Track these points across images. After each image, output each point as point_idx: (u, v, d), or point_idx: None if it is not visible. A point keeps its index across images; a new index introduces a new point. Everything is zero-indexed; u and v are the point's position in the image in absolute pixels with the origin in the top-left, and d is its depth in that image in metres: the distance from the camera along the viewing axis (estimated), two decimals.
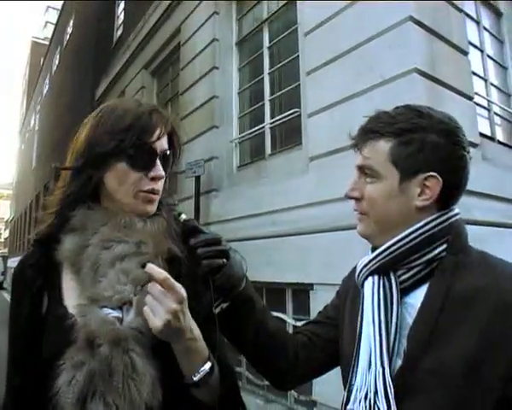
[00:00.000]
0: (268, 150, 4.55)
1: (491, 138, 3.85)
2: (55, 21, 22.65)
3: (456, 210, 0.87)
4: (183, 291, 0.76)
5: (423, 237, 0.82)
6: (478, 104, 3.68)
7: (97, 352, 0.74)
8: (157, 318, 0.74)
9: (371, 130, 0.87)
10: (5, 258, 25.55)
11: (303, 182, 3.67)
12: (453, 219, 0.85)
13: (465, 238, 0.86)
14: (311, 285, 3.45)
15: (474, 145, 3.10)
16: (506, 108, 4.20)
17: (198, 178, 4.97)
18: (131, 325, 0.78)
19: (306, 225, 3.47)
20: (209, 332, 0.87)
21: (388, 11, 3.01)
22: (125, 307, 0.80)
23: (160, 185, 0.91)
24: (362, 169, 0.89)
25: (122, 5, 9.91)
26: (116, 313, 0.79)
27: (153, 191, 0.89)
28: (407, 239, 0.82)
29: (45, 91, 22.03)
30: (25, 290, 0.88)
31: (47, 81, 21.76)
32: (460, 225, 0.86)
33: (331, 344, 1.01)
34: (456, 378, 0.73)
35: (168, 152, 0.93)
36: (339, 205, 3.20)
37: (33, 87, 28.12)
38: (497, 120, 4.07)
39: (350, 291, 1.02)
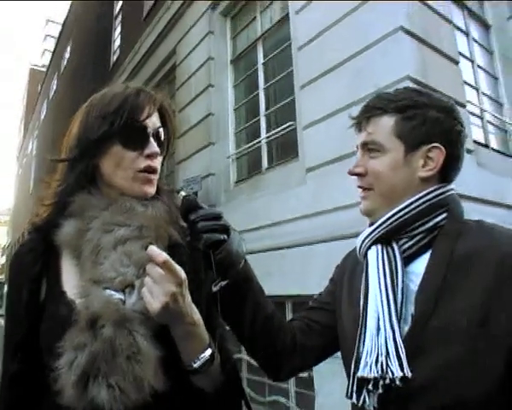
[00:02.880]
0: (265, 164, 4.58)
1: (486, 146, 3.89)
2: (52, 49, 22.97)
3: (453, 185, 0.90)
4: (182, 274, 0.75)
5: (425, 205, 0.84)
6: (471, 113, 3.73)
7: (100, 333, 0.72)
8: (155, 300, 0.73)
9: (374, 107, 0.91)
10: (2, 284, 25.28)
11: (300, 193, 3.68)
12: (452, 191, 0.88)
13: (462, 210, 0.89)
14: (311, 297, 3.41)
15: (469, 151, 3.13)
16: (499, 115, 4.25)
17: (195, 195, 4.99)
18: (134, 308, 0.76)
19: (305, 237, 3.47)
20: (210, 318, 0.85)
21: (378, 22, 3.08)
22: (128, 289, 0.78)
23: (156, 163, 0.91)
24: (365, 145, 0.91)
25: (118, 29, 10.08)
26: (118, 295, 0.77)
27: (150, 169, 0.89)
28: (409, 208, 0.85)
29: (43, 116, 22.22)
30: (23, 277, 0.86)
31: (44, 106, 21.97)
32: (457, 197, 0.89)
33: (328, 329, 1.00)
34: (466, 330, 0.73)
35: (161, 130, 0.93)
36: (337, 214, 3.21)
37: (31, 113, 28.35)
38: (490, 128, 4.12)
39: (346, 273, 1.03)
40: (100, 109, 0.88)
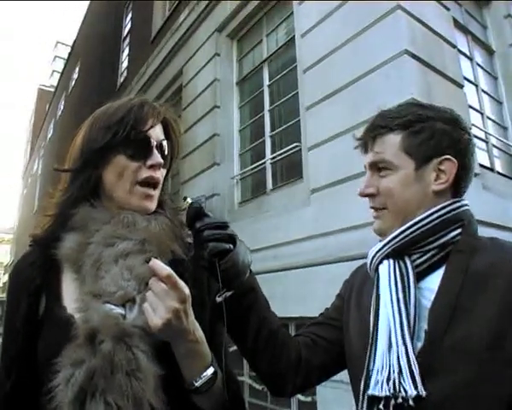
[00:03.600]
0: (269, 185, 4.57)
1: (491, 169, 3.88)
2: (61, 70, 23.34)
3: (467, 201, 0.88)
4: (186, 290, 0.73)
5: (439, 220, 0.83)
6: (476, 136, 3.74)
7: (99, 349, 0.70)
8: (157, 316, 0.71)
9: (379, 125, 0.90)
10: (3, 303, 25.14)
11: (305, 214, 3.66)
12: (466, 206, 0.87)
13: (476, 227, 0.87)
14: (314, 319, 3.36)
15: (475, 174, 3.12)
16: (504, 139, 4.26)
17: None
18: (135, 323, 0.74)
19: (309, 258, 3.44)
20: (213, 336, 0.83)
21: (383, 45, 3.11)
22: (128, 304, 0.76)
23: (159, 175, 0.90)
24: (374, 165, 0.90)
25: (126, 51, 10.26)
26: (119, 310, 0.75)
27: (152, 180, 0.88)
28: (423, 222, 0.83)
29: (49, 136, 22.42)
30: (22, 290, 0.84)
31: (51, 126, 22.20)
32: (471, 213, 0.88)
33: (335, 345, 0.97)
34: (479, 352, 0.71)
35: (165, 142, 0.93)
36: (341, 236, 3.19)
37: (38, 133, 28.64)
38: (495, 152, 4.12)
39: (354, 289, 1.00)
40: (104, 120, 0.88)
